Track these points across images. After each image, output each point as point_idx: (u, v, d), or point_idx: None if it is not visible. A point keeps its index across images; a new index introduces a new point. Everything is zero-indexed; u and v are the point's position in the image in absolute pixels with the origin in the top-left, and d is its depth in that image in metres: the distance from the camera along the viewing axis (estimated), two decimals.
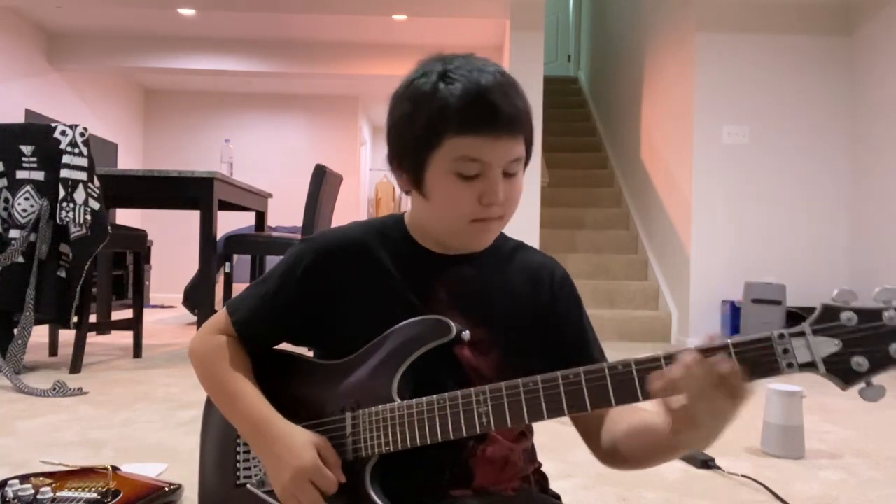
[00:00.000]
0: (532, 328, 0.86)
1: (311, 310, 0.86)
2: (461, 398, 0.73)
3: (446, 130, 0.75)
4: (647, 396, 0.67)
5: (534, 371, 0.79)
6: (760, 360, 0.64)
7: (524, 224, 4.33)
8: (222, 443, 0.87)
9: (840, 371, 0.62)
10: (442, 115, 0.75)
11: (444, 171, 0.77)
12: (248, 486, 0.82)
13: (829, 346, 0.63)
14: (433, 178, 0.79)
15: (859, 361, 0.62)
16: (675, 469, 1.67)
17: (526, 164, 0.83)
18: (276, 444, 0.77)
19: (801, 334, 0.64)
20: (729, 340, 0.66)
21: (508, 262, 0.90)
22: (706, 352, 0.65)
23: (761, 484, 1.54)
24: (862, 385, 0.62)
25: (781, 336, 0.64)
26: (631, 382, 0.68)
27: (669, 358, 0.67)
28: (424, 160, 0.78)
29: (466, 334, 0.78)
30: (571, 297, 0.91)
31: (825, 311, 0.64)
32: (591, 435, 0.85)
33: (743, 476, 1.60)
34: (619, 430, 0.81)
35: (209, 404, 0.91)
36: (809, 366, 0.63)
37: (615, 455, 0.82)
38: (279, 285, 0.87)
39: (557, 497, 0.90)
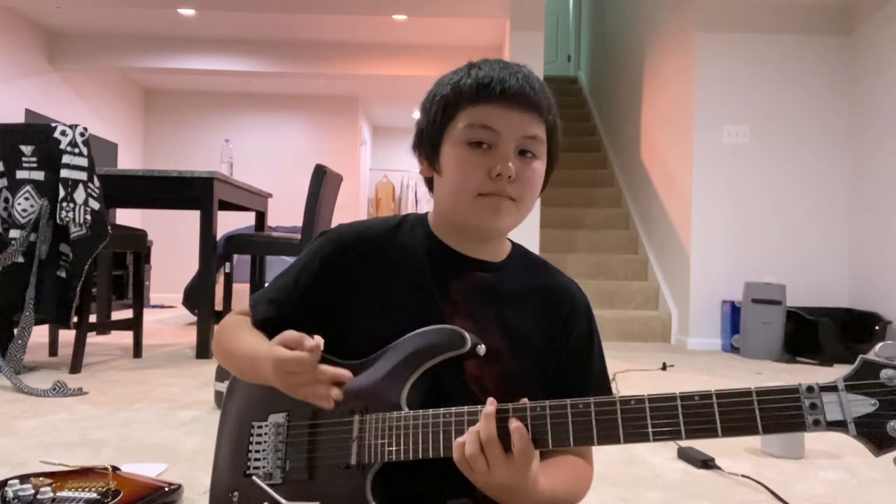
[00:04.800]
0: (541, 347, 0.85)
1: (328, 302, 0.87)
2: (467, 415, 0.72)
3: (461, 102, 0.80)
4: (656, 438, 0.65)
5: (534, 391, 0.77)
6: (784, 412, 0.59)
7: (524, 224, 4.31)
8: (237, 432, 0.88)
9: (873, 435, 0.57)
10: (459, 90, 0.81)
11: (457, 141, 0.81)
12: (254, 477, 0.83)
13: (863, 405, 0.57)
14: (447, 150, 0.82)
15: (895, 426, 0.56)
16: (675, 469, 1.67)
17: (551, 160, 0.86)
18: (256, 362, 0.78)
19: (834, 389, 0.58)
20: (752, 388, 0.61)
21: (529, 277, 0.89)
22: (727, 397, 0.62)
23: (761, 484, 1.54)
24: None
25: (811, 389, 0.59)
26: (642, 421, 0.65)
27: (686, 399, 0.64)
28: (441, 133, 0.82)
29: (482, 348, 0.77)
30: (585, 329, 0.88)
31: (864, 366, 0.58)
32: None
33: (743, 476, 1.60)
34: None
35: (229, 393, 0.91)
36: (839, 425, 0.58)
37: None
38: (297, 277, 0.89)
39: None
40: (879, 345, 0.59)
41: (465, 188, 0.80)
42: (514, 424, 0.68)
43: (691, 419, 0.63)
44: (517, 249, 0.92)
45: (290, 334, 0.75)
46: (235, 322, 0.90)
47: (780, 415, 0.59)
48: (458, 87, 0.81)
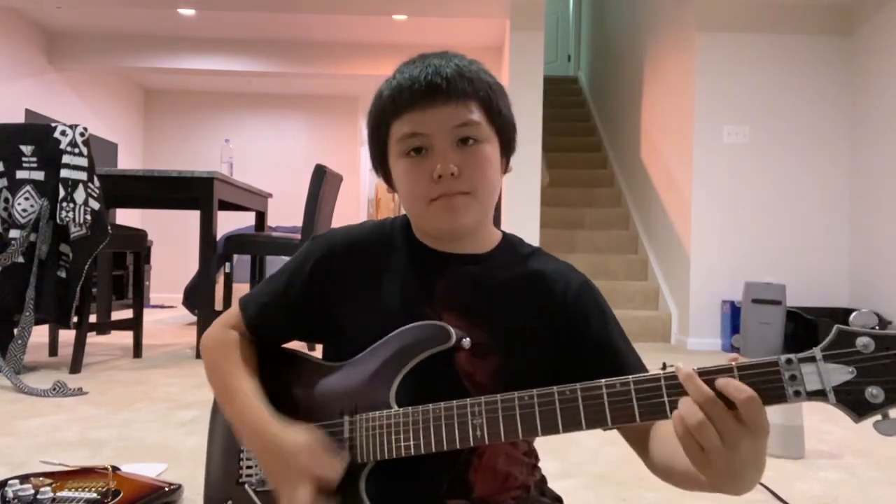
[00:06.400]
0: (537, 337, 0.82)
1: (318, 308, 0.86)
2: (456, 408, 0.72)
3: (386, 118, 0.80)
4: (643, 418, 0.64)
5: (535, 383, 0.77)
6: (765, 386, 0.60)
7: (524, 224, 4.33)
8: (228, 440, 0.87)
9: (852, 402, 0.58)
10: (382, 107, 0.81)
11: (396, 156, 0.81)
12: (247, 486, 0.83)
13: (841, 373, 0.58)
14: (392, 168, 0.83)
15: (874, 392, 0.57)
16: None
17: (504, 137, 0.83)
18: (268, 450, 0.77)
19: (812, 360, 0.59)
20: (733, 364, 0.62)
21: (518, 266, 0.87)
22: (708, 374, 0.61)
23: (761, 484, 1.53)
24: (877, 417, 0.58)
25: (789, 361, 0.59)
26: (628, 402, 0.65)
27: (670, 378, 0.63)
28: (384, 154, 0.83)
29: (467, 342, 0.76)
30: (592, 306, 0.85)
31: (839, 336, 0.59)
32: (637, 442, 0.81)
33: None
34: (663, 453, 0.75)
35: (216, 408, 0.91)
36: (819, 394, 0.58)
37: (663, 472, 0.77)
38: (288, 283, 0.88)
39: (559, 499, 0.89)
40: (854, 314, 0.59)
41: (415, 198, 0.80)
42: (722, 381, 0.60)
43: (675, 397, 0.63)
44: (507, 239, 0.90)
45: (325, 443, 0.75)
46: (227, 347, 0.87)
47: (761, 388, 0.60)
48: (380, 104, 0.81)
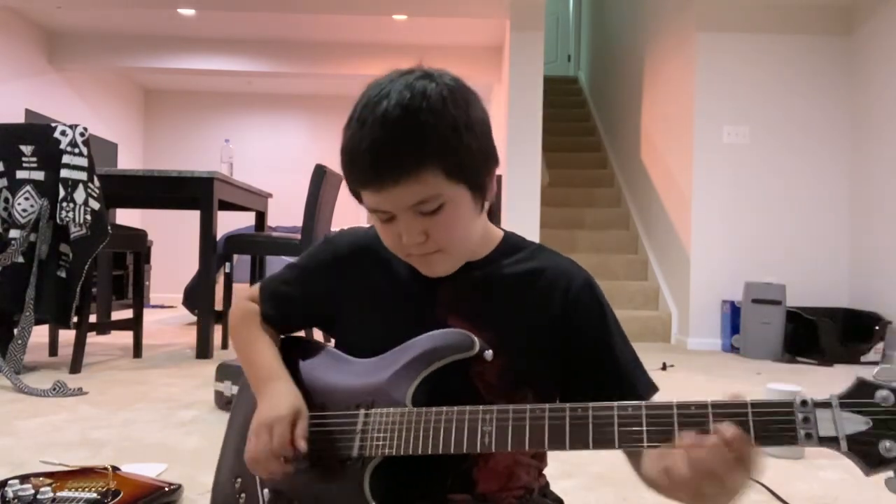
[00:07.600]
0: (542, 335, 0.83)
1: (321, 305, 0.91)
2: (468, 413, 0.73)
3: (352, 184, 0.80)
4: (651, 444, 0.64)
5: (541, 379, 0.77)
6: (777, 425, 0.60)
7: (524, 224, 4.33)
8: (243, 429, 0.89)
9: (865, 453, 0.57)
10: (345, 171, 0.81)
11: (369, 211, 0.81)
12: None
13: (856, 423, 0.58)
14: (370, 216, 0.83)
15: (888, 446, 0.57)
16: None
17: (473, 185, 0.78)
18: (264, 397, 0.83)
19: (828, 405, 0.59)
20: (748, 400, 0.62)
21: (520, 265, 0.87)
22: (723, 408, 0.61)
23: (761, 484, 1.53)
24: (889, 474, 0.57)
25: (804, 403, 0.59)
26: (638, 428, 0.65)
27: (683, 408, 0.63)
28: (358, 198, 0.82)
29: (489, 354, 0.77)
30: (593, 304, 0.85)
31: (859, 386, 0.59)
32: (629, 452, 0.79)
33: None
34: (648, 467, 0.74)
35: (240, 393, 0.96)
36: (831, 441, 0.58)
37: (650, 483, 0.75)
38: (298, 275, 0.94)
39: (559, 501, 0.89)
40: (878, 367, 0.59)
41: (392, 249, 0.82)
42: (730, 434, 0.61)
43: (687, 428, 0.63)
44: (508, 239, 0.90)
45: (303, 425, 0.79)
46: (252, 317, 0.94)
47: (773, 427, 0.60)
48: (344, 167, 0.80)
